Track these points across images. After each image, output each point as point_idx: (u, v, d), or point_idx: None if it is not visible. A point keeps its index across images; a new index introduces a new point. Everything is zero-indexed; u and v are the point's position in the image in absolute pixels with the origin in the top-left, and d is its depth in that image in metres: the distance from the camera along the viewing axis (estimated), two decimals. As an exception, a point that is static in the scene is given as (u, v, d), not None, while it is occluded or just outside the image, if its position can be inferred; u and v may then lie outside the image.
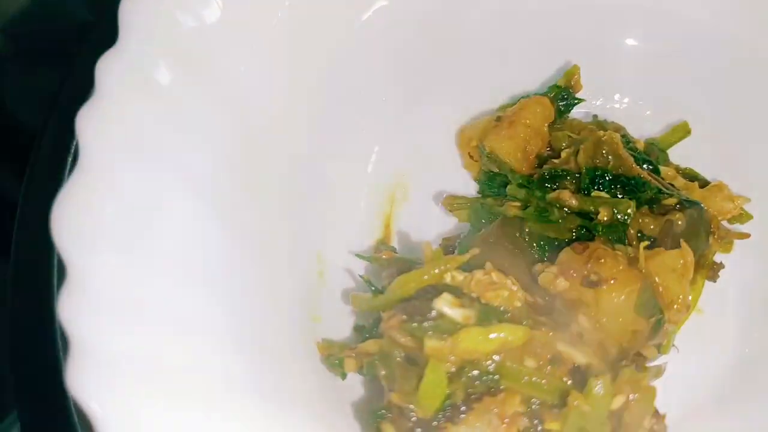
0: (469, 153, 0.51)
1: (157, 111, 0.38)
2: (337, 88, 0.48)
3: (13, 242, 0.44)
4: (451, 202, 0.49)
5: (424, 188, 0.51)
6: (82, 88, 0.44)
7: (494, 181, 0.49)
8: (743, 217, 0.47)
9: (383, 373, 0.38)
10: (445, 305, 0.38)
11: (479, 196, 0.49)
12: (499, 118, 0.49)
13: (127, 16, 0.38)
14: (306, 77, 0.46)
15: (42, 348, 0.40)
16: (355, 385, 0.44)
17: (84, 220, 0.33)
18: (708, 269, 0.45)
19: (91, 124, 0.36)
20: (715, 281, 0.45)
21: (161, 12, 0.40)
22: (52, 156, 0.45)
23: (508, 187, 0.47)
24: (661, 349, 0.44)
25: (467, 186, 0.51)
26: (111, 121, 0.36)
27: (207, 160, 0.41)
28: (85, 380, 0.30)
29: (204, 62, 0.41)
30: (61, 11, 0.62)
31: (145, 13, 0.39)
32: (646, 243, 0.41)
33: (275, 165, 0.45)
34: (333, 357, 0.41)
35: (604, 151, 0.44)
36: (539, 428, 0.37)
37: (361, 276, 0.45)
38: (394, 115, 0.50)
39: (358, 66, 0.48)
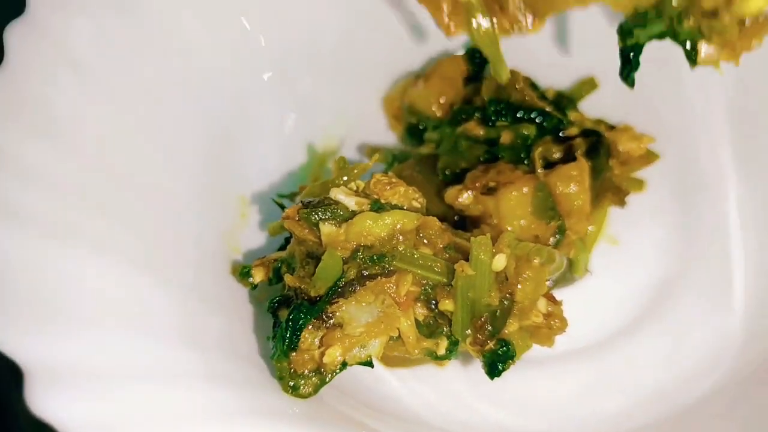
0: (393, 115, 0.54)
1: (89, 35, 0.42)
2: (258, 55, 0.50)
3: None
4: (372, 152, 0.51)
5: (351, 149, 0.54)
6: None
7: (415, 134, 0.52)
8: (650, 156, 0.49)
9: (285, 271, 0.39)
10: (341, 194, 0.39)
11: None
12: (417, 76, 0.53)
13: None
14: (233, 37, 0.50)
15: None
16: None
17: (4, 99, 0.36)
18: (613, 193, 0.46)
19: (20, 36, 0.39)
20: (623, 207, 0.47)
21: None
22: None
23: (425, 133, 0.50)
24: (574, 269, 0.45)
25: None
26: (40, 36, 0.40)
27: (137, 90, 0.44)
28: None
29: (139, 7, 0.45)
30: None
31: None
32: (539, 149, 0.43)
33: (200, 111, 0.47)
34: (242, 268, 0.42)
35: (506, 84, 0.47)
36: (436, 310, 0.38)
37: (274, 201, 0.46)
38: (319, 80, 0.53)
39: (287, 33, 0.52)
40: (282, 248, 0.44)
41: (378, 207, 0.38)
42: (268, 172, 0.50)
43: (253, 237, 0.47)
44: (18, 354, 0.29)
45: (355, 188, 0.41)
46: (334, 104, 0.53)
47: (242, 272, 0.42)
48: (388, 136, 0.54)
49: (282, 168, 0.51)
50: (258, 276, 0.41)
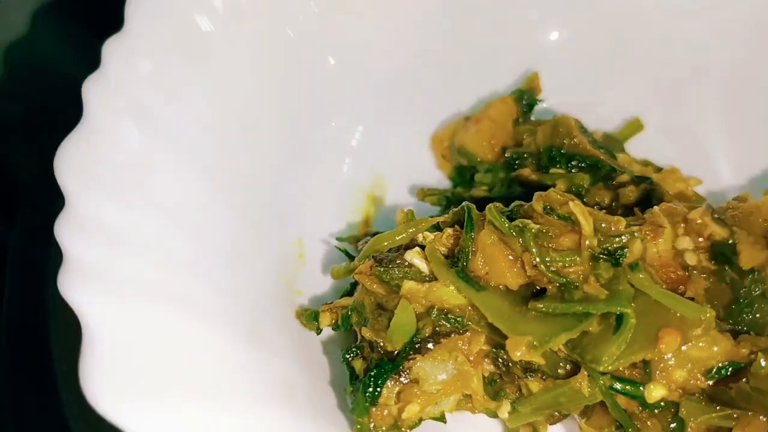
0: (441, 154, 0.56)
1: (159, 88, 0.43)
2: (315, 102, 0.52)
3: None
4: (424, 192, 0.52)
5: (401, 189, 0.55)
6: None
7: (464, 175, 0.53)
8: (697, 199, 0.50)
9: (356, 320, 0.41)
10: (416, 257, 0.41)
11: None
12: (467, 118, 0.54)
13: (134, 7, 0.44)
14: (289, 84, 0.51)
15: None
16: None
17: (84, 160, 0.37)
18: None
19: (96, 92, 0.41)
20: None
21: (170, 13, 0.46)
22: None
23: (476, 175, 0.52)
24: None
25: (441, 185, 0.56)
26: (114, 92, 0.41)
27: (203, 139, 0.45)
28: (74, 285, 0.33)
29: (205, 59, 0.46)
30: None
31: (152, 8, 0.45)
32: None
33: (260, 156, 0.49)
34: (309, 313, 0.43)
35: (560, 131, 0.48)
36: (503, 369, 0.39)
37: (337, 247, 0.48)
38: (370, 123, 0.55)
39: (338, 80, 0.53)
40: (347, 294, 0.45)
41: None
42: (322, 213, 0.51)
43: (313, 279, 0.49)
44: (126, 424, 0.30)
45: (421, 239, 0.43)
46: (385, 145, 0.54)
47: (309, 317, 0.43)
48: (436, 174, 0.56)
49: (335, 209, 0.52)
50: (325, 321, 0.43)
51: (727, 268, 0.40)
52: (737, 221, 0.41)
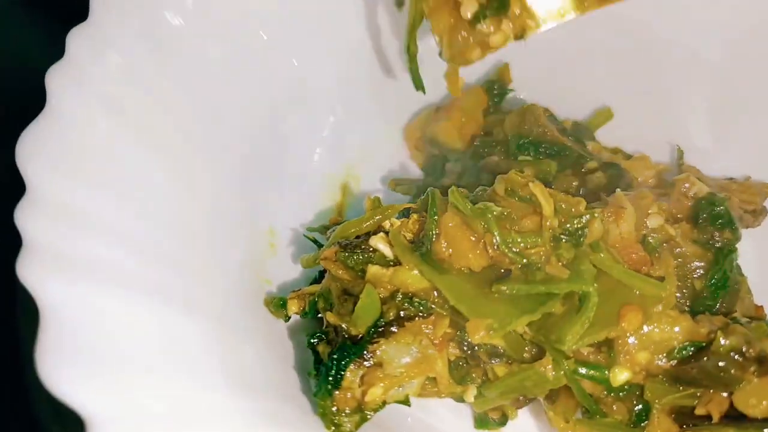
0: (414, 145, 0.56)
1: (125, 77, 0.43)
2: (285, 93, 0.52)
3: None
4: (396, 183, 0.53)
5: (374, 179, 0.55)
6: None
7: (436, 164, 0.53)
8: (665, 185, 0.50)
9: (322, 305, 0.41)
10: (380, 242, 0.41)
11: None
12: (438, 108, 0.54)
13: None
14: (259, 77, 0.51)
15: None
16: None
17: (46, 146, 0.37)
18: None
19: (60, 80, 0.41)
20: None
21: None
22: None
23: (447, 164, 0.52)
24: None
25: (415, 175, 0.56)
26: (78, 80, 0.41)
27: (170, 128, 0.45)
28: (32, 268, 0.33)
29: (175, 45, 0.46)
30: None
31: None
32: None
33: (230, 148, 0.49)
34: (277, 300, 0.43)
35: (528, 120, 0.48)
36: (469, 352, 0.39)
37: (305, 236, 0.48)
38: (342, 114, 0.55)
39: (310, 70, 0.54)
40: (315, 281, 0.45)
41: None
42: (294, 204, 0.51)
43: (283, 268, 0.49)
44: (80, 404, 0.30)
45: (388, 225, 0.43)
46: (356, 136, 0.55)
47: (277, 304, 0.43)
48: (408, 165, 0.56)
49: (307, 200, 0.52)
50: (293, 308, 0.43)
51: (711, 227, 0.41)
52: None
